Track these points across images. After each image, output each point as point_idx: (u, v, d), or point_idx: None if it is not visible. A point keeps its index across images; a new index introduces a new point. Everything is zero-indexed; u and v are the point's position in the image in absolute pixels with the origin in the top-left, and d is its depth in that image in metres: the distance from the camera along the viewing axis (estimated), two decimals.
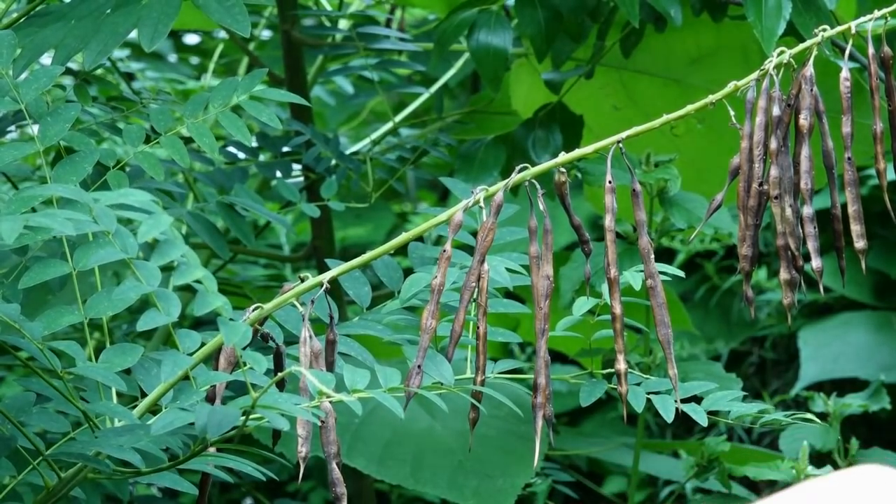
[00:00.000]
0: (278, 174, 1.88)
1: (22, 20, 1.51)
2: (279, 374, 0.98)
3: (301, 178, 1.95)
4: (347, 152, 1.95)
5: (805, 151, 1.16)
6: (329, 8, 2.10)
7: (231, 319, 0.99)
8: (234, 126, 1.30)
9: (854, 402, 2.04)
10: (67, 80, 1.77)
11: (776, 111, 1.15)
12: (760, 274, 2.87)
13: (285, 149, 1.89)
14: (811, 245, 1.16)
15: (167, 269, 1.06)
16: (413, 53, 2.03)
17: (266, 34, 2.39)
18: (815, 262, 1.16)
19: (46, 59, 1.49)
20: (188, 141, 1.54)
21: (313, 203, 1.76)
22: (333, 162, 1.86)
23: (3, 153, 1.27)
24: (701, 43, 2.00)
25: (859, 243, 1.16)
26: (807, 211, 1.17)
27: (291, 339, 1.22)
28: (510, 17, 1.85)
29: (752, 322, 2.94)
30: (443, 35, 1.80)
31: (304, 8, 2.05)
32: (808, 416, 1.22)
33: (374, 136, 2.10)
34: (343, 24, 2.00)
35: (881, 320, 2.77)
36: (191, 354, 1.12)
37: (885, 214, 1.32)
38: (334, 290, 1.22)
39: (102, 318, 1.24)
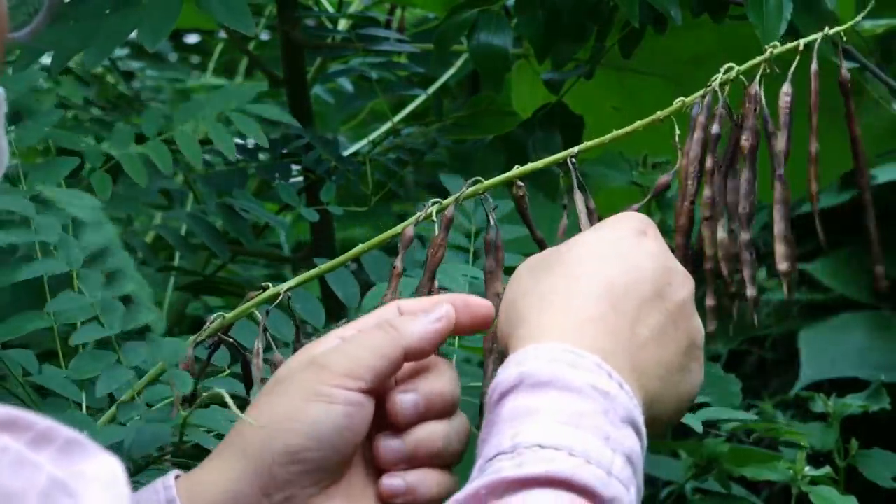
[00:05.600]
0: (277, 176, 1.87)
1: None
2: (204, 395, 0.94)
3: (301, 178, 1.94)
4: (346, 153, 1.94)
5: (745, 174, 1.11)
6: (329, 9, 2.10)
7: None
8: (220, 137, 1.30)
9: (854, 402, 2.04)
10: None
11: (715, 128, 1.11)
12: (760, 274, 2.87)
13: (285, 150, 1.89)
14: (746, 273, 1.10)
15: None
16: (412, 54, 2.02)
17: (266, 35, 2.39)
18: (750, 291, 1.11)
19: (45, 60, 1.49)
20: None
21: (312, 206, 1.76)
22: (333, 164, 1.86)
23: None
24: (701, 43, 2.00)
25: (782, 265, 1.11)
26: (743, 236, 1.11)
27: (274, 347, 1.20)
28: (510, 18, 1.85)
29: (752, 322, 2.93)
30: (443, 35, 1.80)
31: (304, 9, 2.05)
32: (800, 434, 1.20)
33: (373, 136, 2.10)
34: (343, 24, 2.00)
35: (881, 321, 2.76)
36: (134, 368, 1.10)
37: (884, 215, 1.32)
38: (327, 296, 1.20)
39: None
